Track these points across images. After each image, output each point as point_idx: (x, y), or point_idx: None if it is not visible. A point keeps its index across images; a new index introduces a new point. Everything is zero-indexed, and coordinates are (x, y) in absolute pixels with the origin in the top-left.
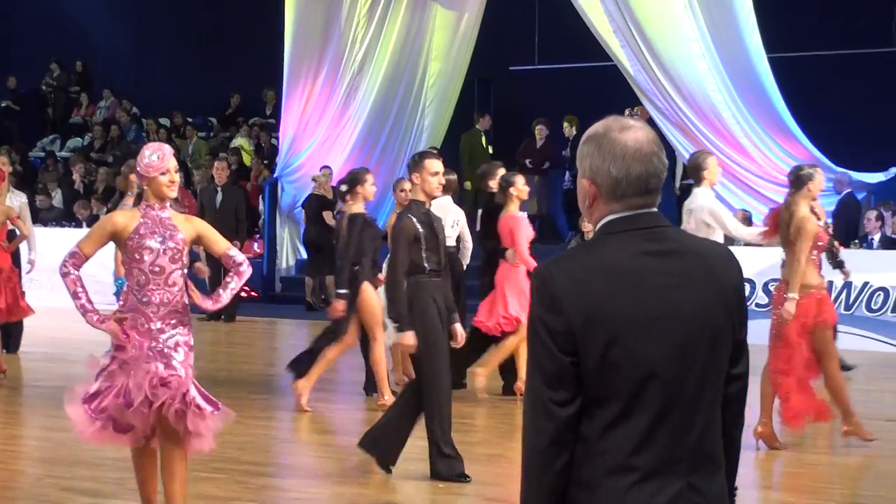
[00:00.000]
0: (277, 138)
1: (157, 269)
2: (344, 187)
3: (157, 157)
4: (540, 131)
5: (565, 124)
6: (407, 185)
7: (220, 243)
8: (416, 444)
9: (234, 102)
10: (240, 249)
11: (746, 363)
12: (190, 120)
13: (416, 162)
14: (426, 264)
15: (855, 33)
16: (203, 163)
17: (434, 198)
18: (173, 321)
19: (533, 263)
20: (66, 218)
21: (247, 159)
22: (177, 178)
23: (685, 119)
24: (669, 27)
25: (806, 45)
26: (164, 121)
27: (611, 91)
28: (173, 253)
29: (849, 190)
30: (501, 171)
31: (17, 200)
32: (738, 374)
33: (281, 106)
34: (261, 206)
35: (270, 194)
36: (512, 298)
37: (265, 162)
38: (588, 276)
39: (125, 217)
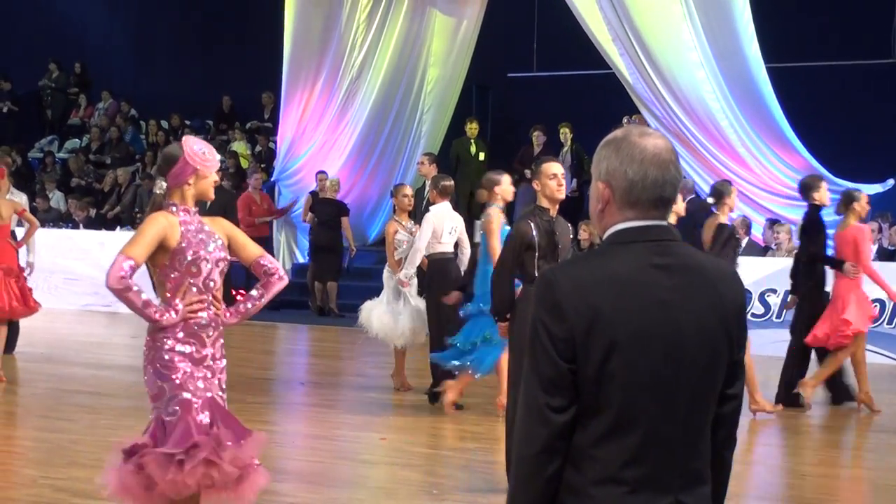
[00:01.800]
0: (275, 142)
1: (211, 283)
2: (710, 199)
3: (209, 151)
4: (537, 138)
5: (562, 131)
6: (409, 191)
7: (251, 248)
8: (413, 451)
9: (232, 105)
10: None
11: (741, 384)
12: (188, 122)
13: (536, 168)
14: (537, 273)
15: (854, 44)
16: None
17: (557, 201)
18: (220, 343)
19: (878, 274)
20: (63, 219)
21: (244, 162)
22: None
23: (683, 128)
24: (668, 35)
25: (805, 55)
26: (163, 123)
27: (609, 99)
28: (224, 264)
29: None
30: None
31: (19, 200)
32: (733, 394)
33: (279, 109)
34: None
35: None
36: (852, 310)
37: (262, 165)
38: (594, 284)
39: (167, 219)
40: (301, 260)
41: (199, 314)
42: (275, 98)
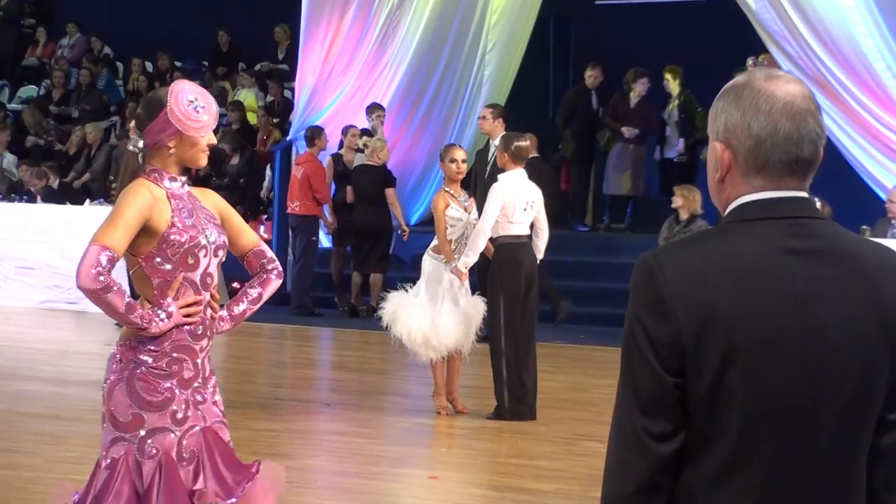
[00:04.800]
0: (292, 90)
1: (208, 279)
2: None
3: (203, 108)
4: (635, 85)
5: (667, 76)
6: (459, 154)
7: (248, 234)
8: (471, 493)
9: (233, 42)
10: None
11: None
12: (178, 64)
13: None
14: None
15: None
16: None
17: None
18: (209, 357)
19: None
20: (15, 190)
21: (252, 117)
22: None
23: (825, 72)
24: None
25: None
26: (146, 65)
27: (726, 34)
28: (223, 254)
29: None
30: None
31: None
32: None
33: (297, 48)
34: (268, 176)
35: (282, 162)
36: None
37: (276, 121)
38: (708, 274)
39: (150, 192)
40: (326, 244)
41: (195, 319)
42: (291, 33)
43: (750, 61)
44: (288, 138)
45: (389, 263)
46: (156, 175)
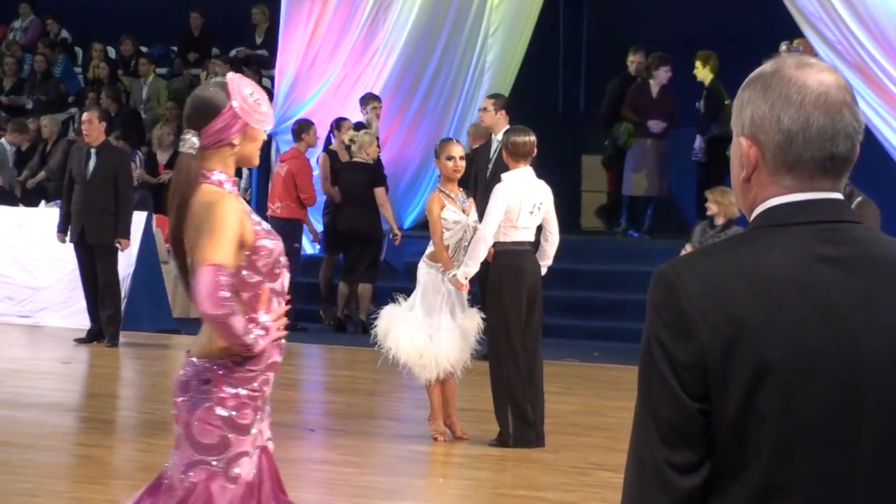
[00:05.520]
0: (272, 79)
1: (286, 287)
2: None
3: (262, 100)
4: (657, 73)
5: (697, 64)
6: (456, 150)
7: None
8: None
9: (208, 25)
10: (123, 242)
11: None
12: (145, 50)
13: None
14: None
15: None
16: (163, 112)
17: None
18: None
19: None
20: None
21: None
22: None
23: (868, 58)
24: None
25: None
26: (109, 50)
27: (756, 15)
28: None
29: None
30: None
31: None
32: None
33: (278, 31)
34: (245, 174)
35: (261, 159)
36: None
37: None
38: (734, 286)
39: (236, 202)
40: (310, 251)
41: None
42: (270, 15)
43: (783, 46)
44: (267, 132)
45: (380, 272)
46: (218, 179)
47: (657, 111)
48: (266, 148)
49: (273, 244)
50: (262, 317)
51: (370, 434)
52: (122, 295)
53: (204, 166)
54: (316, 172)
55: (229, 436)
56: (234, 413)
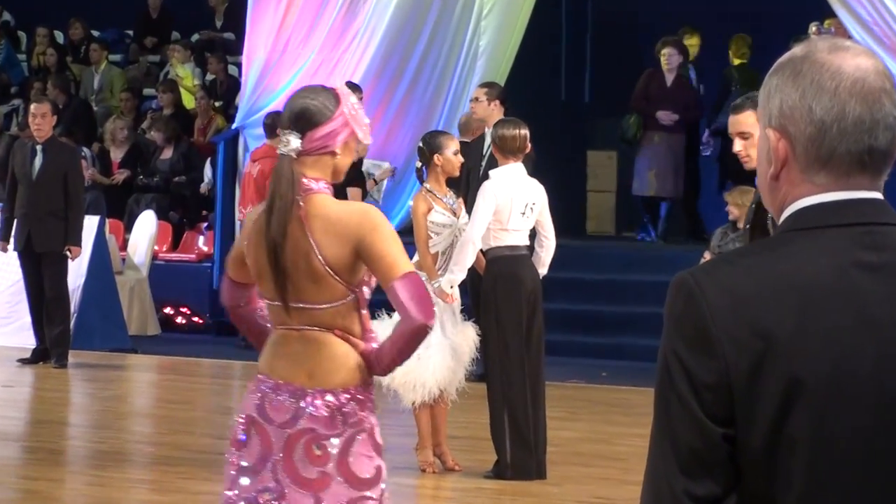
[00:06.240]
0: (239, 66)
1: None
2: None
3: (362, 109)
4: (669, 58)
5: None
6: (451, 145)
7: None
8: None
9: (167, 6)
10: (73, 250)
11: None
12: (96, 34)
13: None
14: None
15: None
16: (117, 104)
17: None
18: None
19: None
20: None
21: (188, 99)
22: None
23: None
24: None
25: None
26: (56, 35)
27: None
28: None
29: None
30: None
31: None
32: None
33: (245, 14)
34: (208, 174)
35: (227, 156)
36: None
37: (218, 104)
38: (762, 296)
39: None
40: None
41: None
42: None
43: (813, 27)
44: (234, 126)
45: None
46: (314, 184)
47: (670, 101)
48: (233, 144)
49: None
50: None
51: None
52: (72, 309)
53: (303, 174)
54: None
55: (380, 464)
56: (379, 439)
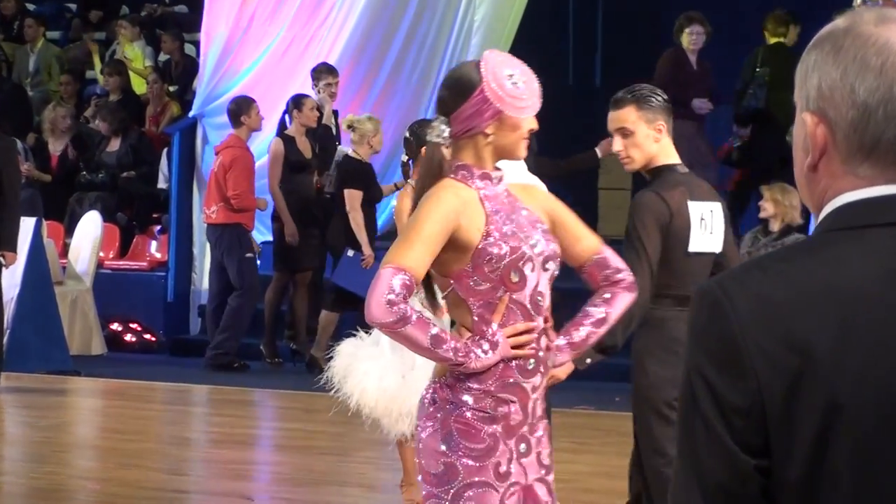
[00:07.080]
0: (196, 45)
1: (539, 298)
2: None
3: (525, 84)
4: (692, 38)
5: (767, 28)
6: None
7: (587, 238)
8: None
9: None
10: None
11: None
12: (31, 7)
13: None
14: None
15: None
16: (56, 89)
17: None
18: (543, 397)
19: None
20: None
21: (138, 83)
22: None
23: None
24: None
25: None
26: None
27: None
28: (555, 266)
29: None
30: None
31: None
32: None
33: None
34: (164, 169)
35: (183, 148)
36: None
37: (173, 89)
38: (799, 306)
39: (457, 196)
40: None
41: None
42: None
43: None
44: (191, 114)
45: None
46: (464, 173)
47: (699, 87)
48: (190, 135)
49: (505, 249)
50: (495, 331)
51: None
52: (5, 325)
53: (456, 157)
54: (261, 162)
55: (457, 463)
56: (459, 436)
